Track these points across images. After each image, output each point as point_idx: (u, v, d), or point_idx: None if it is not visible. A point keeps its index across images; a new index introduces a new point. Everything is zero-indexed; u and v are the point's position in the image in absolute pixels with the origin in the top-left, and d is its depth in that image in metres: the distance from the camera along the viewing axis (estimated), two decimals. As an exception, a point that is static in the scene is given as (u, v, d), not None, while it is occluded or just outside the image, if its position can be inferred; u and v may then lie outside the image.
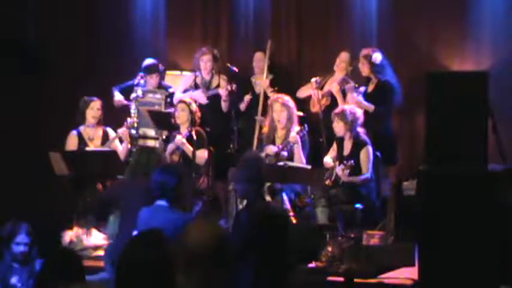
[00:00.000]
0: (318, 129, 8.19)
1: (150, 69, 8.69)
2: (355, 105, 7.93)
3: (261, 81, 8.67)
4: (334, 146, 7.93)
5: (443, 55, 8.54)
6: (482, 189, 5.46)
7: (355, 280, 6.18)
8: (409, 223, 6.52)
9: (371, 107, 8.03)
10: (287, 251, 5.34)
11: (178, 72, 9.27)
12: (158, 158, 5.96)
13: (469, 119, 5.49)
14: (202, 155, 8.09)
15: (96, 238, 7.59)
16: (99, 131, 8.40)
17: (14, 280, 6.14)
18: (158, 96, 8.63)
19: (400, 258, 6.35)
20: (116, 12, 9.59)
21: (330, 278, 6.29)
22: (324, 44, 8.87)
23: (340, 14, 9.01)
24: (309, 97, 8.51)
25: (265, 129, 8.20)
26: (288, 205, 7.74)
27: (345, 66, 8.39)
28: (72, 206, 7.86)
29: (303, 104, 8.52)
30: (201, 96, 8.65)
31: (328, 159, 7.87)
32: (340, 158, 7.81)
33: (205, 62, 8.67)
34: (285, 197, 7.74)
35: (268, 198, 7.76)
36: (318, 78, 8.42)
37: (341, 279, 6.23)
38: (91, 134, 8.38)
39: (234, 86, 8.39)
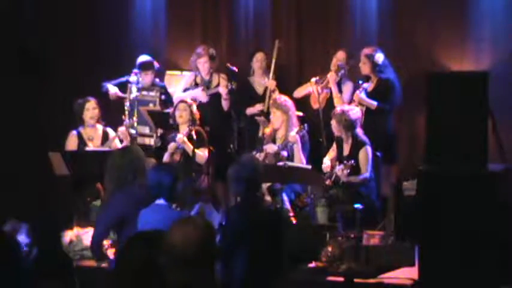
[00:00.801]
0: (317, 129, 8.19)
1: (145, 66, 8.68)
2: (356, 102, 7.93)
3: (264, 82, 8.68)
4: (334, 146, 7.93)
5: (443, 55, 8.53)
6: (482, 189, 5.47)
7: (355, 280, 6.18)
8: (409, 223, 6.52)
9: (373, 104, 8.02)
10: (280, 249, 5.34)
11: (178, 72, 9.27)
12: (132, 157, 5.89)
13: (469, 119, 5.49)
14: (202, 154, 8.10)
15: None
16: (99, 131, 8.40)
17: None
18: (153, 93, 8.63)
19: (400, 258, 6.35)
20: (116, 13, 9.58)
21: (330, 278, 6.29)
22: (324, 44, 8.86)
23: (340, 14, 9.01)
24: (308, 95, 8.51)
25: (266, 130, 8.20)
26: (288, 205, 7.74)
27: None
28: (72, 206, 7.86)
29: (302, 103, 8.52)
30: (201, 94, 8.65)
31: (326, 162, 7.87)
32: (340, 158, 7.80)
33: (202, 64, 8.67)
34: (285, 197, 7.73)
35: (268, 198, 7.76)
36: (317, 78, 8.43)
37: (341, 279, 6.23)
38: (91, 134, 8.37)
39: (234, 84, 8.39)
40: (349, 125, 7.66)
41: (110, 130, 8.44)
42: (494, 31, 8.42)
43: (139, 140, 8.50)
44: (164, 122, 8.40)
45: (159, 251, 3.19)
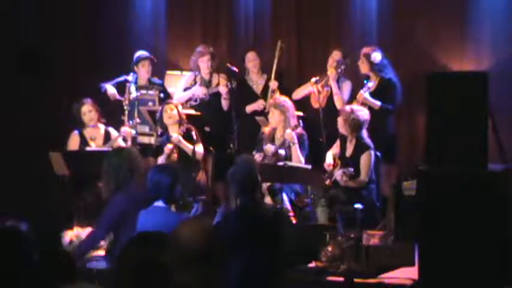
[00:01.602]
0: (317, 129, 8.19)
1: (142, 57, 8.69)
2: (359, 102, 7.93)
3: (261, 81, 8.68)
4: (338, 142, 7.91)
5: (443, 55, 8.54)
6: (482, 189, 5.47)
7: (355, 280, 6.18)
8: (409, 223, 6.52)
9: (377, 104, 8.03)
10: (278, 250, 5.33)
11: (178, 72, 9.27)
12: (126, 156, 5.89)
13: (469, 119, 5.49)
14: (200, 150, 8.08)
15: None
16: (101, 130, 8.41)
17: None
18: (152, 92, 8.63)
19: (400, 258, 6.35)
20: (116, 12, 9.58)
21: (330, 278, 6.29)
22: (324, 44, 8.87)
23: (340, 14, 9.01)
24: (308, 96, 8.52)
25: (265, 129, 8.20)
26: (288, 205, 7.73)
27: (338, 64, 8.41)
28: (72, 206, 7.86)
29: (302, 103, 8.52)
30: (200, 90, 8.65)
31: (329, 158, 7.86)
32: (342, 157, 7.79)
33: (205, 62, 8.67)
34: (285, 197, 7.73)
35: (268, 198, 7.77)
36: (317, 77, 8.43)
37: (341, 279, 6.23)
38: (93, 133, 8.37)
39: (234, 83, 8.39)
40: (356, 125, 7.64)
41: (111, 130, 8.45)
42: (494, 31, 8.42)
43: (139, 139, 8.50)
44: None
45: (159, 251, 3.19)
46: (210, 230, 3.36)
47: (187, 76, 8.93)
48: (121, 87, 8.66)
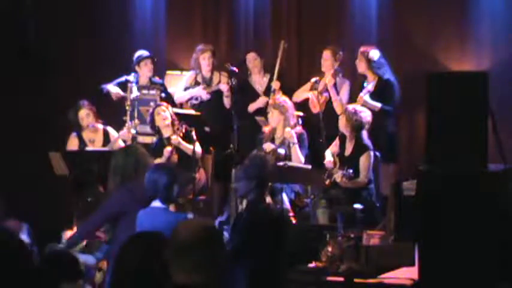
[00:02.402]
0: (317, 129, 8.19)
1: (143, 56, 8.69)
2: (360, 104, 7.93)
3: (264, 80, 8.69)
4: (337, 141, 7.91)
5: (443, 55, 8.54)
6: (482, 189, 5.46)
7: (355, 280, 6.17)
8: (409, 223, 6.51)
9: (377, 106, 8.03)
10: (285, 252, 5.34)
11: (178, 72, 9.27)
12: (136, 156, 5.89)
13: (469, 119, 5.49)
14: (198, 149, 8.07)
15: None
16: (100, 132, 8.40)
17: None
18: (153, 92, 8.63)
19: (400, 258, 6.34)
20: (116, 12, 9.59)
21: (330, 278, 6.28)
22: (324, 44, 8.86)
23: (340, 14, 9.02)
24: (307, 99, 8.52)
25: (265, 129, 8.20)
26: (288, 205, 7.74)
27: (330, 63, 8.41)
28: (72, 206, 7.86)
29: (302, 103, 8.52)
30: (202, 93, 8.66)
31: (328, 156, 7.86)
32: (341, 156, 7.79)
33: (207, 59, 8.68)
34: (285, 197, 7.73)
35: (268, 198, 7.76)
36: (317, 78, 8.44)
37: (341, 279, 6.22)
38: (91, 135, 8.37)
39: (235, 81, 8.39)
40: (357, 125, 7.65)
41: (110, 129, 8.44)
42: (494, 31, 8.42)
43: (140, 139, 8.50)
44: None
45: (158, 251, 3.19)
46: (212, 230, 3.35)
47: (187, 76, 8.93)
48: (122, 88, 8.67)
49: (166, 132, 8.16)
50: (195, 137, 7.96)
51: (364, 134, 7.72)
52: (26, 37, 9.39)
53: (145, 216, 5.47)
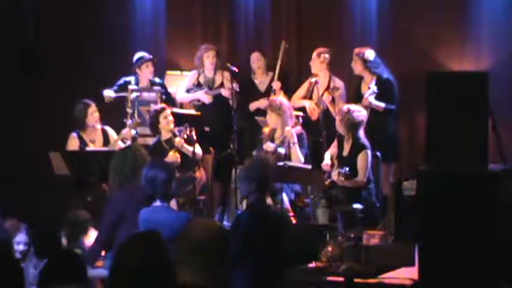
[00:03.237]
0: (317, 129, 8.19)
1: (146, 58, 8.69)
2: (363, 105, 7.93)
3: (266, 80, 8.70)
4: (335, 142, 7.91)
5: (443, 55, 8.54)
6: (482, 189, 5.46)
7: (355, 280, 6.17)
8: (409, 223, 6.51)
9: (381, 106, 8.03)
10: (284, 253, 5.34)
11: (178, 72, 9.28)
12: (134, 157, 5.89)
13: (469, 119, 5.49)
14: (198, 150, 8.07)
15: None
16: (99, 132, 8.40)
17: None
18: (153, 94, 8.63)
19: (400, 258, 6.34)
20: (116, 13, 9.58)
21: (330, 278, 6.28)
22: (324, 44, 8.86)
23: (340, 14, 9.01)
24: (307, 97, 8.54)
25: (265, 129, 8.21)
26: (288, 205, 7.73)
27: (319, 64, 8.42)
28: (72, 206, 7.85)
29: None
30: (204, 97, 8.67)
31: (327, 159, 7.86)
32: (339, 157, 7.80)
33: (211, 57, 8.69)
34: (285, 197, 7.73)
35: (268, 198, 7.75)
36: (317, 78, 8.44)
37: (341, 279, 6.22)
38: (91, 135, 8.36)
39: (236, 85, 8.38)
40: (351, 125, 7.63)
41: (109, 129, 8.44)
42: (494, 31, 8.42)
43: (140, 140, 8.49)
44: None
45: (157, 250, 3.19)
46: (223, 230, 3.37)
47: (190, 75, 8.93)
48: (122, 90, 8.68)
49: (166, 135, 8.14)
50: (195, 137, 7.96)
51: (361, 133, 7.70)
52: (26, 37, 9.39)
53: (147, 215, 5.47)
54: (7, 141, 9.03)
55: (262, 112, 8.47)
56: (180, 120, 8.22)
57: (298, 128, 8.07)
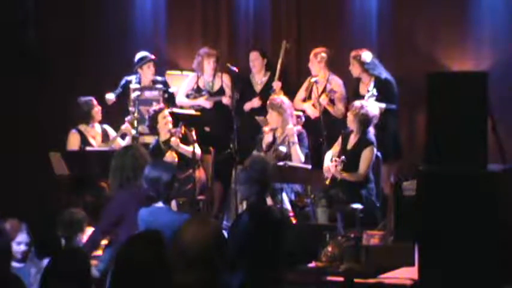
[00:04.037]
0: (318, 129, 8.19)
1: (148, 58, 8.70)
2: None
3: (262, 80, 8.70)
4: (339, 140, 7.90)
5: (443, 55, 8.54)
6: (482, 189, 5.46)
7: (355, 280, 6.17)
8: (409, 223, 6.52)
9: (382, 107, 8.03)
10: (283, 254, 5.34)
11: (178, 72, 9.28)
12: (134, 157, 5.88)
13: (469, 119, 5.49)
14: (198, 150, 8.06)
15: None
16: (99, 128, 8.42)
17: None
18: (155, 92, 8.63)
19: (400, 258, 6.34)
20: (116, 12, 9.59)
21: (330, 278, 6.28)
22: (324, 45, 8.86)
23: (340, 14, 9.01)
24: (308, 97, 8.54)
25: (265, 129, 8.20)
26: (288, 205, 7.73)
27: (317, 64, 8.42)
28: (72, 206, 7.85)
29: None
30: (205, 104, 8.68)
31: (327, 160, 7.85)
32: (343, 152, 7.77)
33: (211, 63, 8.68)
34: (285, 197, 7.73)
35: (268, 198, 7.75)
36: (317, 78, 8.44)
37: (341, 279, 6.23)
38: (92, 131, 8.39)
39: (237, 95, 8.40)
40: (364, 120, 7.61)
41: (107, 127, 8.46)
42: (494, 31, 8.42)
43: (140, 139, 8.50)
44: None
45: (158, 251, 3.19)
46: (215, 232, 3.36)
47: (189, 78, 8.93)
48: (124, 89, 8.69)
49: (165, 136, 8.13)
50: (194, 137, 7.95)
51: (371, 130, 7.69)
52: (26, 37, 9.39)
53: (147, 215, 5.47)
54: (7, 141, 9.02)
55: (262, 111, 8.47)
56: (180, 120, 8.22)
57: (299, 127, 8.07)
